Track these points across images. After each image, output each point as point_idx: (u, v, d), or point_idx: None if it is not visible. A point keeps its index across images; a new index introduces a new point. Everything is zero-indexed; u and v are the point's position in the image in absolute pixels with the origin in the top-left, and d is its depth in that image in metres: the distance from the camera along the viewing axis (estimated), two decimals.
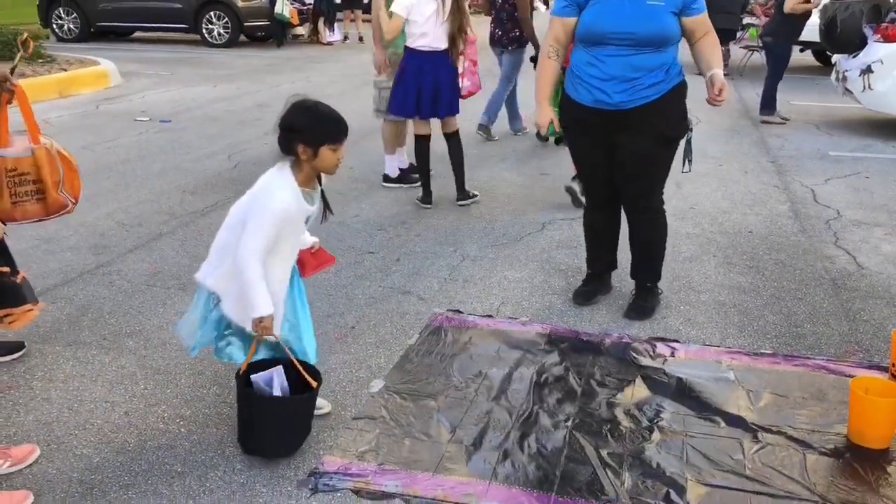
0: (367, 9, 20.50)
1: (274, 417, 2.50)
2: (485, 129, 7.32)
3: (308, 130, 2.41)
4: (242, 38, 15.27)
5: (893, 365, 3.06)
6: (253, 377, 2.54)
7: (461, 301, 3.83)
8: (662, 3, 3.27)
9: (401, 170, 5.83)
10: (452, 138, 5.28)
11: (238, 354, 2.63)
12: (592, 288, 3.87)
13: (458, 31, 4.98)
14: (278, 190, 2.44)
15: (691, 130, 3.57)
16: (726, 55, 12.12)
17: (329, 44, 15.76)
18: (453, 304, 3.78)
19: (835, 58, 8.89)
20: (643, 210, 3.63)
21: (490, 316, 3.66)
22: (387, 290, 3.94)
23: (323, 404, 2.81)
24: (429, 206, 5.29)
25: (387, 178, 5.83)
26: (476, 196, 5.46)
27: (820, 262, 4.38)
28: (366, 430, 2.72)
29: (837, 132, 8.03)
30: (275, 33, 15.12)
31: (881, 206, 5.46)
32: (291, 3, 14.88)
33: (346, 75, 11.46)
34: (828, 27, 8.36)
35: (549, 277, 4.14)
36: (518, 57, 7.21)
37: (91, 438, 2.64)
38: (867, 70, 7.58)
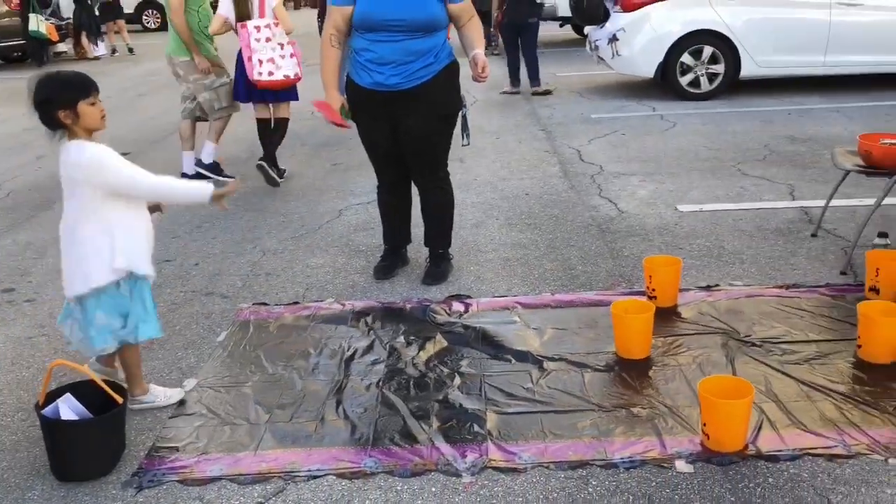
0: (130, 19, 19.64)
1: (82, 442, 2.48)
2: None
3: (59, 95, 2.56)
4: None
5: (648, 287, 3.56)
6: (43, 412, 2.50)
7: (265, 294, 3.94)
8: None
9: (198, 172, 5.89)
10: (275, 125, 5.83)
11: (101, 340, 2.71)
12: (391, 262, 4.11)
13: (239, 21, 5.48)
14: (86, 148, 2.59)
15: (465, 107, 3.89)
16: (494, 37, 12.86)
17: (96, 58, 14.95)
18: (258, 298, 3.88)
19: (586, 29, 9.76)
20: (431, 182, 3.91)
21: (296, 302, 3.80)
22: (189, 294, 3.96)
23: (172, 394, 2.93)
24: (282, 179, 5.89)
25: (199, 163, 5.96)
26: (283, 170, 6.01)
27: (587, 212, 4.91)
28: (184, 427, 2.79)
29: (597, 97, 8.85)
30: (33, 52, 14.12)
31: (635, 158, 6.15)
32: (47, 19, 13.95)
33: (121, 89, 10.99)
34: (576, 2, 9.15)
35: (350, 259, 4.34)
36: None
37: None
38: (613, 38, 8.42)
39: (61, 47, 15.45)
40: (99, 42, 15.24)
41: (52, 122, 2.57)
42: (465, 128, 3.95)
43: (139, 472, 2.53)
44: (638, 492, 2.35)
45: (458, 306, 3.65)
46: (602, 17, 8.80)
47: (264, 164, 5.68)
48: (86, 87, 2.59)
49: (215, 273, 4.22)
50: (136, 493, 2.43)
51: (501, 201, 5.23)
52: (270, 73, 5.42)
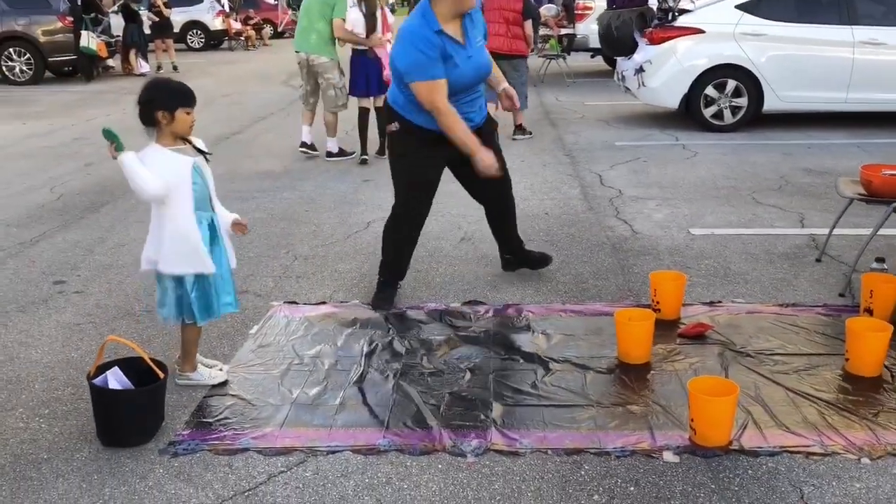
0: (178, 38, 20.33)
1: (126, 409, 2.78)
2: None
3: (163, 99, 2.91)
4: (48, 73, 14.78)
5: (653, 300, 3.78)
6: (94, 381, 2.79)
7: (296, 294, 4.22)
8: (483, 41, 3.89)
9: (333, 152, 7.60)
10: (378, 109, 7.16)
11: (168, 312, 3.07)
12: (390, 294, 4.10)
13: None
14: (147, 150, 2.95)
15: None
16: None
17: (142, 75, 15.53)
18: (289, 298, 4.16)
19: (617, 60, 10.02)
20: (508, 189, 4.22)
21: (323, 302, 4.08)
22: None
23: (217, 376, 3.22)
24: (366, 157, 7.38)
25: (329, 154, 7.56)
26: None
27: (603, 232, 5.14)
28: (216, 405, 3.06)
29: (623, 125, 9.09)
30: (83, 67, 14.73)
31: (654, 183, 6.38)
32: (98, 36, 14.58)
33: None
34: (606, 34, 9.44)
35: (376, 266, 4.57)
36: None
37: None
38: (640, 70, 8.66)
39: (109, 63, 16.08)
40: (139, 59, 15.84)
41: (148, 118, 2.91)
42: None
43: (175, 442, 2.80)
44: (627, 477, 2.57)
45: (472, 310, 3.90)
46: (631, 49, 9.06)
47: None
48: (188, 98, 2.96)
49: (249, 274, 4.51)
50: (171, 459, 2.70)
51: (522, 219, 5.42)
52: None
